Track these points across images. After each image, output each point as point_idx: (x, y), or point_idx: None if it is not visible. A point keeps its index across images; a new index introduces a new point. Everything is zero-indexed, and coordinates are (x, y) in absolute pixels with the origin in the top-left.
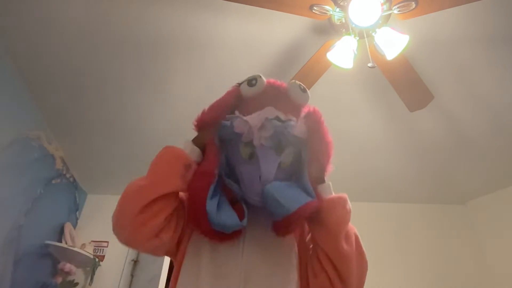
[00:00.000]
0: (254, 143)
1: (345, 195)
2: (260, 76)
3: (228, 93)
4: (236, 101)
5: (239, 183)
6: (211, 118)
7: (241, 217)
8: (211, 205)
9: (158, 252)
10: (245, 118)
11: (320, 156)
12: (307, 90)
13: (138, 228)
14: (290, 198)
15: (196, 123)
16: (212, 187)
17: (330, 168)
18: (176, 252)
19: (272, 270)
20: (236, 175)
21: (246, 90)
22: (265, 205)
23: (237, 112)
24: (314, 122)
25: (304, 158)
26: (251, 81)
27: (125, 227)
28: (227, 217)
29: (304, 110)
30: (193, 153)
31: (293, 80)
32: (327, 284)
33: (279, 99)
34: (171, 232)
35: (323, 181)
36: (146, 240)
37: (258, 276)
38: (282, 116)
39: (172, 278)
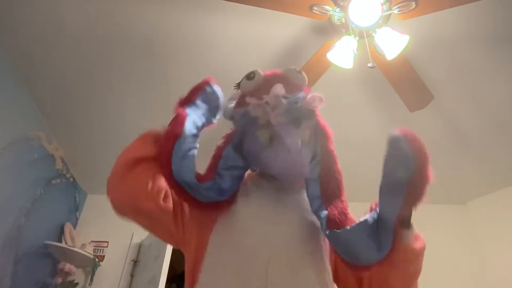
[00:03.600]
0: (272, 121)
1: (423, 244)
2: (257, 70)
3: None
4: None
5: (267, 170)
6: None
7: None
8: (178, 151)
9: (156, 226)
10: (256, 101)
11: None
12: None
13: (131, 183)
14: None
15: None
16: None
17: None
18: (188, 243)
19: (301, 260)
20: (262, 165)
21: (246, 84)
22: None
23: (248, 98)
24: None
25: (317, 137)
26: (249, 75)
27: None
28: (187, 168)
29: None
30: None
31: (287, 67)
32: None
33: (280, 83)
34: (170, 202)
35: (408, 225)
36: (143, 199)
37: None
38: (288, 94)
39: (187, 273)
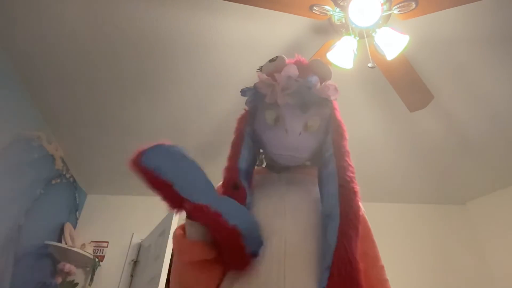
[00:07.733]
0: (278, 102)
1: None
2: (282, 55)
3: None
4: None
5: (266, 150)
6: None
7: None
8: None
9: None
10: (267, 77)
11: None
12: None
13: None
14: None
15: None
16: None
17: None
18: None
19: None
20: (263, 146)
21: (267, 66)
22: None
23: (259, 74)
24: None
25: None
26: (272, 58)
27: None
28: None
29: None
30: (197, 234)
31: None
32: None
33: (302, 71)
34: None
35: None
36: None
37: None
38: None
39: None
